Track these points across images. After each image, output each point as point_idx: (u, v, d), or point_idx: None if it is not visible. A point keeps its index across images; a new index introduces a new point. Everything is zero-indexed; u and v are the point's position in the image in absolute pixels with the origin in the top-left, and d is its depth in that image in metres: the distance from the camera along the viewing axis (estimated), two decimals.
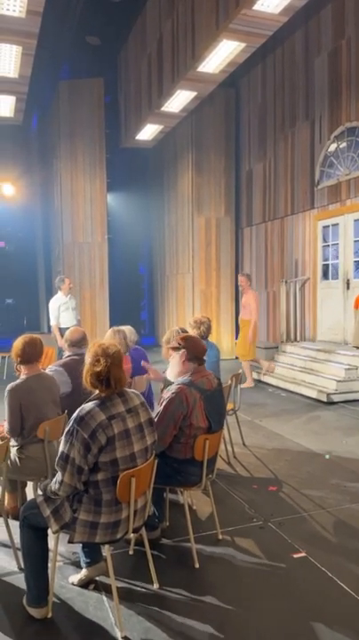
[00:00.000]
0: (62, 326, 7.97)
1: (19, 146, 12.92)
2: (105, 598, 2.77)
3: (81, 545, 2.87)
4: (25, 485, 3.76)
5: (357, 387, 7.32)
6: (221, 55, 7.97)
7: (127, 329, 4.89)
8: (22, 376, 3.44)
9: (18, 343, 3.41)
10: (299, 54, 9.50)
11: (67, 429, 2.50)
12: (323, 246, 9.24)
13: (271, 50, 10.04)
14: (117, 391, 2.57)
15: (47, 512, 2.55)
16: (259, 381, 8.74)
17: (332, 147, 8.73)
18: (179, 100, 9.61)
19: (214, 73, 8.54)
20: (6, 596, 2.80)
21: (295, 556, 3.18)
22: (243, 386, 7.23)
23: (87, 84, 11.45)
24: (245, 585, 2.92)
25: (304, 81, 9.39)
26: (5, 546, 3.24)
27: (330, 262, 9.09)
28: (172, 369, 3.32)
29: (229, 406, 4.94)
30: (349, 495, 4.08)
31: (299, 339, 9.54)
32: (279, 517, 3.69)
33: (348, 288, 8.53)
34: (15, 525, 2.87)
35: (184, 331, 4.29)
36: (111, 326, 4.85)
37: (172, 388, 3.16)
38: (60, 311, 8.34)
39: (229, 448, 5.00)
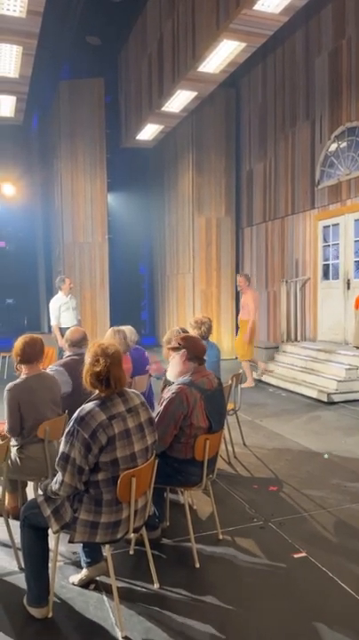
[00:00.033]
0: (63, 326, 7.97)
1: (19, 146, 12.93)
2: (105, 598, 2.77)
3: (81, 545, 2.87)
4: (25, 485, 3.76)
5: (358, 387, 7.32)
6: (222, 55, 7.97)
7: (127, 329, 4.90)
8: (22, 375, 3.45)
9: (18, 343, 3.42)
10: (299, 54, 9.50)
11: (67, 430, 2.51)
12: (324, 246, 9.23)
13: (271, 50, 10.03)
14: (117, 391, 2.57)
15: (48, 512, 2.55)
16: (260, 381, 8.74)
17: (333, 146, 8.72)
18: (179, 100, 9.62)
19: (215, 73, 8.54)
20: (7, 596, 2.81)
21: (295, 555, 3.18)
22: (243, 386, 7.22)
23: (87, 84, 11.45)
24: (246, 585, 2.92)
25: (304, 81, 9.39)
26: (6, 546, 3.24)
27: (330, 262, 9.09)
28: (173, 369, 3.32)
29: (230, 406, 4.94)
30: (350, 495, 4.08)
31: (299, 339, 9.53)
32: (279, 517, 3.69)
33: (349, 288, 8.53)
34: (16, 525, 2.87)
35: (184, 331, 4.29)
36: (111, 326, 4.85)
37: (173, 388, 3.17)
38: (61, 311, 8.34)
39: (230, 448, 4.99)
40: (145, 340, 12.16)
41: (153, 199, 13.46)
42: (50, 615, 2.61)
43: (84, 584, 2.88)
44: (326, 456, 5.00)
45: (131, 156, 12.96)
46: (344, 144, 8.46)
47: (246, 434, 5.53)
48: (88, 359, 2.56)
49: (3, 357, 9.25)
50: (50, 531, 2.58)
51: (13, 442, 3.40)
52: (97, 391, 2.58)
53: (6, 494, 3.55)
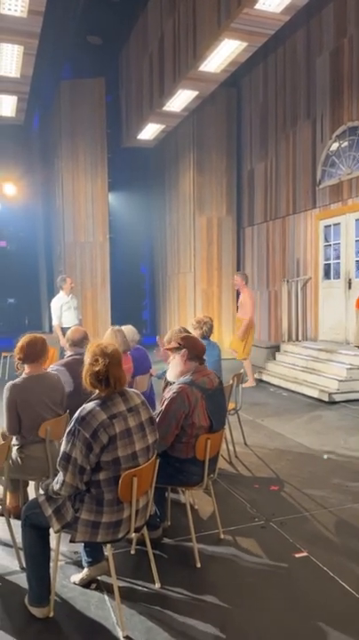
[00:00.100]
0: (64, 326, 7.98)
1: (20, 145, 12.93)
2: (107, 598, 2.77)
3: (82, 544, 2.87)
4: (27, 485, 3.76)
5: None
6: (223, 54, 7.97)
7: (128, 328, 4.90)
8: (23, 375, 3.45)
9: (20, 342, 3.42)
10: (300, 53, 9.49)
11: (68, 429, 2.51)
12: (325, 246, 9.23)
13: (273, 49, 10.02)
14: (118, 390, 2.58)
15: (49, 511, 2.55)
16: (261, 381, 8.74)
17: (334, 146, 8.71)
18: (180, 100, 9.61)
19: (216, 72, 8.54)
20: (8, 596, 2.81)
21: (297, 555, 3.18)
22: (244, 385, 7.23)
23: (88, 84, 11.45)
24: (247, 584, 2.91)
25: (305, 80, 9.38)
26: (7, 545, 3.25)
27: (331, 262, 9.08)
28: (173, 369, 3.32)
29: (231, 406, 4.94)
30: (351, 495, 4.08)
31: (300, 338, 9.53)
32: (281, 517, 3.69)
33: (350, 288, 8.52)
34: (17, 525, 2.87)
35: (185, 330, 4.29)
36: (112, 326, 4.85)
37: (174, 388, 3.17)
38: (62, 311, 8.35)
39: (231, 447, 4.99)
40: (146, 339, 12.14)
41: (154, 199, 13.46)
42: (51, 615, 2.61)
43: (86, 583, 2.88)
44: (326, 457, 5.00)
45: (132, 156, 12.96)
46: (345, 143, 8.45)
47: (247, 433, 5.52)
48: (87, 359, 2.56)
49: (5, 357, 9.26)
50: (51, 530, 2.58)
51: (14, 441, 3.41)
52: (97, 391, 2.58)
53: (7, 494, 3.56)
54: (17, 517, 3.28)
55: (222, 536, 3.41)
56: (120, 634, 2.48)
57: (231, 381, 4.87)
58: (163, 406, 3.12)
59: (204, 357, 3.37)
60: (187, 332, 3.88)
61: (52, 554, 2.70)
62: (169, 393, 3.16)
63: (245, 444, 5.33)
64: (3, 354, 9.24)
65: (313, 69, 9.16)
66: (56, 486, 2.55)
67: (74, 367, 3.82)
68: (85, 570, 2.92)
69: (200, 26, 8.12)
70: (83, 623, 2.59)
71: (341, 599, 2.76)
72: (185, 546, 3.27)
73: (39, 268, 14.67)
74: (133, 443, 2.53)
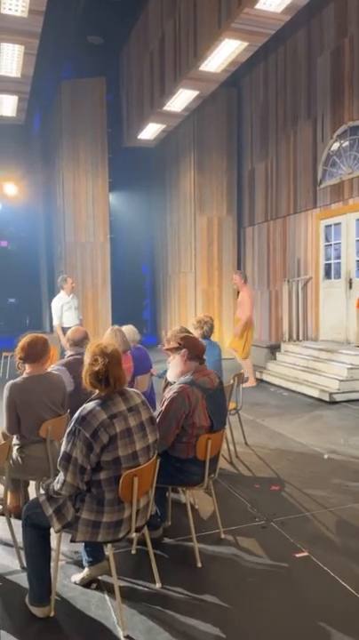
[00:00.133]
0: (65, 326, 7.99)
1: (21, 145, 12.94)
2: (107, 597, 2.77)
3: (83, 544, 2.87)
4: (27, 485, 3.77)
5: None
6: (223, 54, 7.96)
7: (129, 328, 4.90)
8: (24, 375, 3.45)
9: (21, 342, 3.42)
10: (301, 53, 9.49)
11: (68, 429, 2.51)
12: (326, 245, 9.22)
13: (273, 49, 10.02)
14: (118, 390, 2.58)
15: (49, 511, 2.56)
16: (262, 380, 8.73)
17: (335, 145, 8.71)
18: (181, 100, 9.61)
19: (216, 72, 8.54)
20: (9, 595, 2.81)
21: (297, 555, 3.18)
22: (245, 385, 7.23)
23: (89, 84, 11.45)
24: (247, 584, 2.91)
25: (306, 80, 9.37)
26: (8, 545, 3.25)
27: (332, 261, 9.08)
28: (174, 369, 3.32)
29: (232, 406, 4.94)
30: (352, 495, 4.08)
31: (301, 338, 9.52)
32: (281, 517, 3.69)
33: (351, 287, 8.51)
34: (18, 524, 2.87)
35: (185, 330, 4.29)
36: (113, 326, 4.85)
37: (174, 387, 3.17)
38: (63, 310, 8.36)
39: (232, 447, 4.99)
40: (147, 339, 12.16)
41: (154, 198, 13.46)
42: (52, 614, 2.61)
43: (86, 583, 2.88)
44: (326, 456, 5.00)
45: (133, 156, 12.96)
46: (346, 143, 8.44)
47: (248, 433, 5.52)
48: (87, 359, 2.57)
49: (5, 357, 9.26)
50: (52, 530, 2.58)
51: (15, 441, 3.41)
52: (97, 391, 2.58)
53: (8, 493, 3.56)
54: (18, 517, 3.27)
55: (223, 536, 3.41)
56: (120, 633, 2.48)
57: (232, 381, 4.87)
58: (164, 406, 3.12)
59: (205, 357, 3.37)
60: (188, 331, 3.87)
61: (53, 553, 2.70)
62: (169, 393, 3.16)
63: (246, 443, 5.33)
64: (4, 353, 9.24)
65: (313, 69, 9.15)
66: (57, 486, 2.55)
67: (74, 367, 3.82)
68: (86, 569, 2.92)
69: (200, 25, 8.12)
70: (84, 623, 2.59)
71: (342, 599, 2.76)
72: (185, 546, 3.27)
73: (40, 268, 14.67)
74: (134, 442, 2.53)
